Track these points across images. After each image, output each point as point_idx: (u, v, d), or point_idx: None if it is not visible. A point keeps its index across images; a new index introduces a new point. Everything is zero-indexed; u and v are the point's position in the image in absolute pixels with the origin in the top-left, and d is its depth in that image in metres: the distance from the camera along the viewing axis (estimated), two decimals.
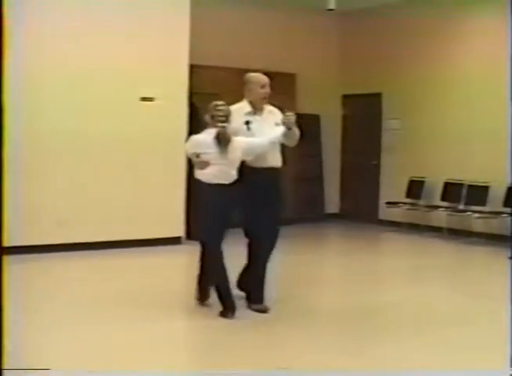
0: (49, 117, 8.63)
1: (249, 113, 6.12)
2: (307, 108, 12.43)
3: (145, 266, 8.21)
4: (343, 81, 13.01)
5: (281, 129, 5.97)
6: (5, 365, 3.33)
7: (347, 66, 12.98)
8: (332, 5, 9.51)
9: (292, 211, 12.17)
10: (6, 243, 8.27)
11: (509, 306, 5.51)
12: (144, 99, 9.18)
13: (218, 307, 5.89)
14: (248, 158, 6.00)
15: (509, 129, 9.20)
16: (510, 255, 8.52)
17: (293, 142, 6.18)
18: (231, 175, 5.87)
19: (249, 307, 6.16)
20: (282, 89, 11.94)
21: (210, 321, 5.79)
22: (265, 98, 6.17)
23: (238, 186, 5.93)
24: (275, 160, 6.20)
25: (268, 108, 6.22)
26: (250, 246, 6.23)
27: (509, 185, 10.05)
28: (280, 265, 8.67)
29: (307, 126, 12.48)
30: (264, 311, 6.08)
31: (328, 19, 12.43)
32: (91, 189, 8.89)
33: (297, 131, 6.09)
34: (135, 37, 9.13)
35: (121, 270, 8.03)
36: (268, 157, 6.11)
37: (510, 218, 9.87)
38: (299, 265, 8.71)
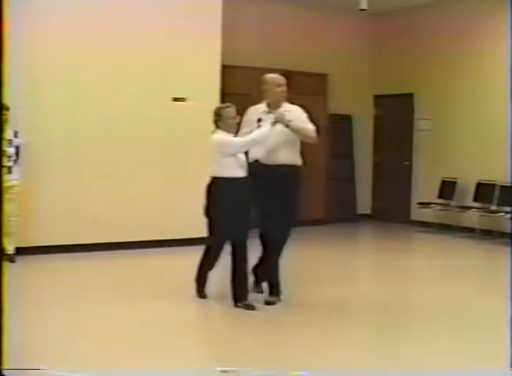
0: (86, 117, 8.74)
1: (264, 112, 6.27)
2: (339, 108, 12.48)
3: (182, 267, 8.15)
4: (375, 81, 13.01)
5: (263, 129, 6.06)
6: (5, 365, 3.36)
7: (379, 66, 12.97)
8: (364, 5, 9.48)
9: (323, 211, 12.21)
10: (40, 242, 8.43)
11: None
12: (176, 99, 9.26)
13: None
14: (229, 156, 6.14)
15: None
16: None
17: (305, 138, 6.27)
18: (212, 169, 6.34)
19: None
20: (313, 89, 12.06)
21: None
22: (281, 96, 6.32)
23: (245, 182, 6.15)
24: (288, 158, 6.27)
25: (286, 107, 6.32)
26: (263, 242, 6.41)
27: None
28: (312, 265, 8.73)
29: (339, 126, 12.73)
30: (271, 303, 6.30)
31: (360, 19, 12.42)
32: (125, 188, 8.97)
33: (308, 127, 6.22)
34: (167, 37, 9.21)
35: (153, 270, 8.06)
36: (281, 154, 6.23)
37: None
38: (330, 264, 8.74)
